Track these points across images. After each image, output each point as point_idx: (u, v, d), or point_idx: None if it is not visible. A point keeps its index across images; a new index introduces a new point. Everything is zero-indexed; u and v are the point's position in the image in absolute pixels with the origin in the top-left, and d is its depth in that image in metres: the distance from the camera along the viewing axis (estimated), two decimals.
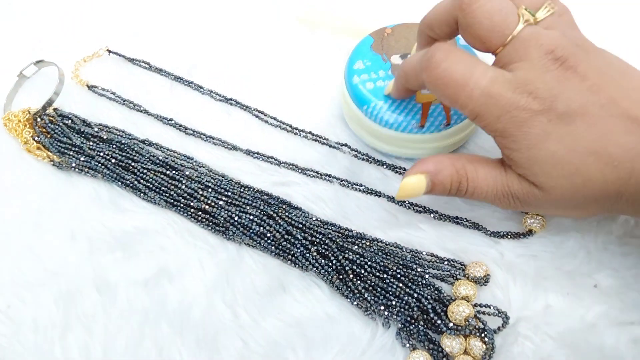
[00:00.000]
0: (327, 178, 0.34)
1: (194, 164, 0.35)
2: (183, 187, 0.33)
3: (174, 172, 0.34)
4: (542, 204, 0.27)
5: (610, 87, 0.25)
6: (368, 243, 0.31)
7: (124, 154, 0.34)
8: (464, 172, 0.28)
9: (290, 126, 0.36)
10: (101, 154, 0.34)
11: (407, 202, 0.33)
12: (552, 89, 0.25)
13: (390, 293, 0.29)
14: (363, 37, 0.36)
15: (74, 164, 0.34)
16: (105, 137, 0.35)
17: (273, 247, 0.31)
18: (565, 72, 0.25)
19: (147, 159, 0.34)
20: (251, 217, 0.32)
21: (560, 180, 0.25)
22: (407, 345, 0.28)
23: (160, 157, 0.34)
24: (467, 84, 0.25)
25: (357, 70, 0.34)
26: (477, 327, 0.27)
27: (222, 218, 0.32)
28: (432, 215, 0.32)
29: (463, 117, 0.32)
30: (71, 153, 0.35)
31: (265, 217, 0.32)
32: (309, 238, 0.31)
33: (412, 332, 0.28)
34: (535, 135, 0.25)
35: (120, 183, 0.34)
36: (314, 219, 0.32)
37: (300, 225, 0.31)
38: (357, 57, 0.34)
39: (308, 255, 0.30)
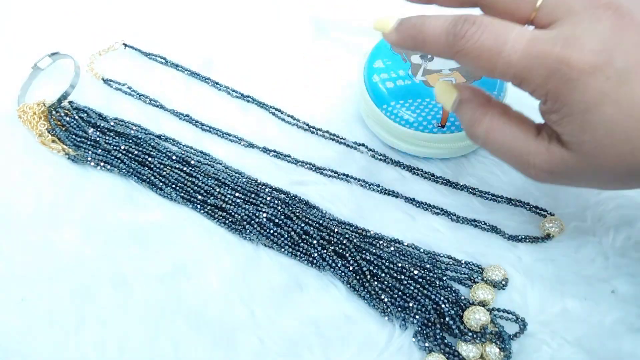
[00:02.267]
0: (345, 178, 0.34)
1: (210, 160, 0.35)
2: (200, 183, 0.33)
3: (190, 168, 0.34)
4: (575, 177, 0.24)
5: None
6: (385, 244, 0.31)
7: (140, 148, 0.34)
8: (486, 118, 0.25)
9: (307, 125, 0.36)
10: (117, 149, 0.34)
11: (424, 203, 0.33)
12: (607, 41, 0.21)
13: (407, 295, 0.29)
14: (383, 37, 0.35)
15: (89, 158, 0.34)
16: (121, 132, 0.35)
17: (289, 248, 0.31)
18: (620, 21, 0.22)
19: (164, 155, 0.34)
20: (268, 216, 0.31)
21: (607, 148, 0.22)
22: (424, 347, 0.28)
23: (177, 153, 0.34)
24: (502, 51, 0.22)
25: (377, 69, 0.33)
26: (493, 333, 0.27)
27: (239, 216, 0.32)
28: (449, 217, 0.32)
29: None
30: (87, 147, 0.35)
31: (282, 217, 0.32)
32: (326, 237, 0.31)
33: (428, 335, 0.28)
34: (591, 97, 0.21)
35: (136, 178, 0.34)
36: (331, 218, 0.32)
37: (317, 225, 0.31)
38: (377, 56, 0.34)
39: (325, 255, 0.30)
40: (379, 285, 0.29)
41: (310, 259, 0.31)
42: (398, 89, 0.33)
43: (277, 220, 0.31)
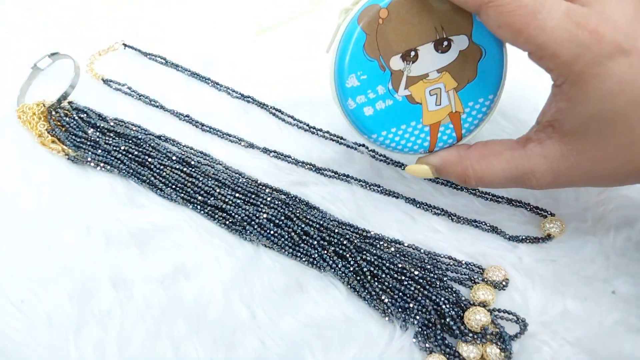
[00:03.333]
0: (345, 178, 0.34)
1: (210, 161, 0.35)
2: (200, 184, 0.33)
3: (190, 168, 0.34)
4: (574, 174, 0.24)
5: None
6: (386, 244, 0.31)
7: (140, 149, 0.34)
8: (469, 172, 0.27)
9: (308, 125, 0.36)
10: (117, 149, 0.34)
11: (425, 204, 0.33)
12: (632, 25, 0.21)
13: (408, 295, 0.29)
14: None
15: (89, 159, 0.34)
16: (121, 132, 0.35)
17: (290, 249, 0.31)
18: (639, 6, 0.22)
19: (164, 155, 0.34)
20: (268, 217, 0.31)
21: (609, 138, 0.22)
22: (424, 348, 0.28)
23: (177, 154, 0.34)
24: (538, 12, 0.21)
25: (351, 89, 0.27)
26: (494, 333, 0.27)
27: (240, 217, 0.32)
28: (450, 217, 0.32)
29: (472, 129, 0.29)
30: (86, 147, 0.35)
31: (282, 217, 0.32)
32: (327, 238, 0.31)
33: (429, 335, 0.28)
34: (611, 85, 0.21)
35: (136, 179, 0.33)
36: (331, 219, 0.32)
37: (318, 225, 0.31)
38: (349, 70, 0.27)
39: (325, 255, 0.30)
40: (380, 286, 0.29)
41: (311, 259, 0.31)
42: (379, 115, 0.28)
43: (277, 221, 0.31)
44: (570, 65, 0.22)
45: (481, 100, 0.28)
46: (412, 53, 0.27)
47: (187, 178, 0.33)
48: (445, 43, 0.27)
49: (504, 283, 0.29)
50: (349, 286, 0.30)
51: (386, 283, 0.29)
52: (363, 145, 0.35)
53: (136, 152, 0.34)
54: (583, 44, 0.21)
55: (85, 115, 0.36)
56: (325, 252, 0.30)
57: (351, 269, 0.30)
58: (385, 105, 0.28)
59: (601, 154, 0.23)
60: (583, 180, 0.25)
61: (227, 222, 0.32)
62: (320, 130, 0.36)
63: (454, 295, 0.29)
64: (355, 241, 0.31)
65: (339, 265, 0.30)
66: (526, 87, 0.34)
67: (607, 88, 0.21)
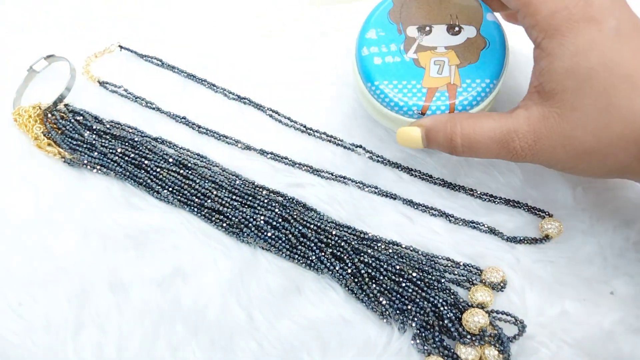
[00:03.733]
0: (342, 180, 0.34)
1: (207, 163, 0.34)
2: (196, 186, 0.33)
3: (187, 171, 0.34)
4: (555, 139, 0.26)
5: None
6: (384, 246, 0.31)
7: (136, 151, 0.34)
8: (457, 129, 0.28)
9: (305, 126, 0.36)
10: (113, 152, 0.34)
11: (422, 205, 0.32)
12: (608, 5, 0.25)
13: (406, 297, 0.29)
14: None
15: (85, 161, 0.34)
16: (117, 134, 0.35)
17: (287, 251, 0.31)
18: None
19: (160, 157, 0.34)
20: (265, 219, 0.31)
21: (586, 99, 0.24)
22: (422, 350, 0.28)
23: (173, 156, 0.34)
24: None
25: (368, 40, 0.32)
26: (492, 335, 0.27)
27: (237, 219, 0.32)
28: (447, 219, 0.32)
29: (465, 105, 0.30)
30: (83, 150, 0.34)
31: (279, 219, 0.31)
32: (324, 240, 0.31)
33: (427, 337, 0.28)
34: (584, 42, 0.24)
35: (133, 181, 0.33)
36: (329, 220, 0.32)
37: (315, 227, 0.31)
38: (371, 25, 0.32)
39: (323, 257, 0.30)
40: (378, 288, 0.29)
41: (308, 261, 0.31)
42: (385, 67, 0.31)
43: (274, 223, 0.31)
44: (549, 19, 0.25)
45: (478, 81, 0.30)
46: (427, 28, 0.32)
47: (183, 180, 0.33)
48: (457, 28, 0.32)
49: (502, 284, 0.29)
50: (347, 288, 0.30)
51: (384, 285, 0.29)
52: (361, 147, 0.35)
53: (132, 155, 0.34)
54: (563, 2, 0.25)
55: (81, 117, 0.36)
56: (323, 254, 0.30)
57: (349, 271, 0.30)
58: (393, 60, 0.31)
59: (579, 117, 0.25)
60: (564, 147, 0.26)
61: (224, 225, 0.32)
62: (317, 131, 0.36)
63: (452, 296, 0.29)
64: (353, 243, 0.31)
65: (337, 267, 0.30)
66: (525, 87, 0.34)
67: (579, 44, 0.25)
